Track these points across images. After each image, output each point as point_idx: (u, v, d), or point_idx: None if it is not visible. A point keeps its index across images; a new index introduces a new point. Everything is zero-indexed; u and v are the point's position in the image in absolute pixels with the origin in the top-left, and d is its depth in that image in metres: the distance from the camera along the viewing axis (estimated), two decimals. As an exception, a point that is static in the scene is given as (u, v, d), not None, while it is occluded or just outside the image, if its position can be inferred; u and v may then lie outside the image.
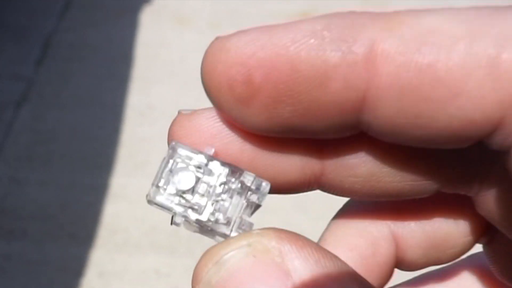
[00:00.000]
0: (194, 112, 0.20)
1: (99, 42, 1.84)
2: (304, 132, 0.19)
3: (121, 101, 1.65)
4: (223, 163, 0.20)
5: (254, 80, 0.18)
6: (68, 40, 1.84)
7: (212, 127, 0.20)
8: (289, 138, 0.19)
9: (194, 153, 0.20)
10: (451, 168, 0.19)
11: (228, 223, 0.20)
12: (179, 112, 0.21)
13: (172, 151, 0.21)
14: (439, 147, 0.18)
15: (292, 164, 0.20)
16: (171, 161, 0.20)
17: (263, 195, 0.20)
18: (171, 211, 0.20)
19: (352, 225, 0.23)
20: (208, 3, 2.01)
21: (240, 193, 0.20)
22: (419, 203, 0.21)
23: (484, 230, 0.21)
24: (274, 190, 0.21)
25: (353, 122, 0.18)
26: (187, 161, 0.20)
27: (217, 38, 0.19)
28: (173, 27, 1.92)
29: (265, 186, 0.20)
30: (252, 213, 0.21)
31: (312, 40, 0.17)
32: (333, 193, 0.21)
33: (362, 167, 0.20)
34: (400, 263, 0.23)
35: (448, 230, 0.22)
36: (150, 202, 0.20)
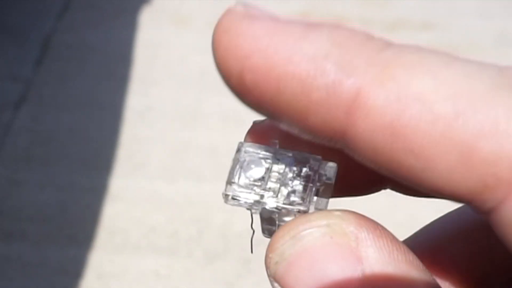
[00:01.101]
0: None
1: (98, 43, 1.84)
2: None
3: (120, 102, 1.65)
4: (290, 151, 0.21)
5: (245, 81, 0.18)
6: (67, 41, 1.84)
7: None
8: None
9: (260, 147, 0.22)
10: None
11: (304, 202, 0.21)
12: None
13: (239, 151, 0.22)
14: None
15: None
16: (240, 159, 0.22)
17: (332, 174, 0.21)
18: (247, 202, 0.21)
19: None
20: (207, 3, 2.01)
21: (310, 176, 0.21)
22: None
23: None
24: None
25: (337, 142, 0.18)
26: (254, 155, 0.21)
27: (228, 11, 0.19)
28: (172, 28, 1.92)
29: (332, 166, 0.21)
30: (328, 194, 0.21)
31: (305, 67, 0.17)
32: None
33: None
34: None
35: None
36: (226, 196, 0.21)
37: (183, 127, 1.59)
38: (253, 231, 0.22)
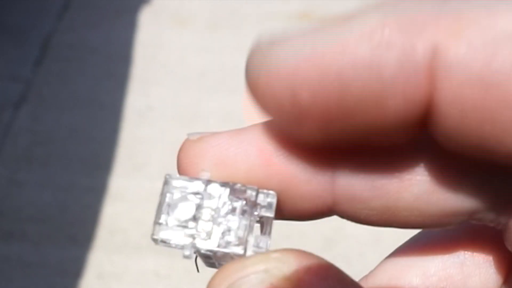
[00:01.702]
0: (199, 138, 0.19)
1: (98, 43, 1.84)
2: (360, 142, 0.17)
3: (120, 101, 1.65)
4: (223, 184, 0.19)
5: (301, 101, 0.15)
6: (66, 41, 1.84)
7: (217, 156, 0.19)
8: (300, 170, 0.18)
9: (190, 181, 0.19)
10: (480, 198, 0.17)
11: (240, 243, 0.19)
12: (187, 137, 0.19)
13: (167, 185, 0.20)
14: (504, 169, 0.16)
15: (301, 195, 0.19)
16: (168, 194, 0.20)
17: (271, 205, 0.19)
18: (178, 245, 0.19)
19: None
20: (207, 3, 2.01)
21: (246, 210, 0.19)
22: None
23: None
24: (286, 217, 0.20)
25: (414, 133, 0.16)
26: (184, 190, 0.19)
27: (256, 45, 0.16)
28: (172, 28, 1.92)
29: (271, 196, 0.19)
30: (267, 228, 0.20)
31: (364, 46, 0.14)
32: (349, 220, 0.19)
33: (376, 201, 0.18)
34: None
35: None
36: (155, 240, 0.20)
37: (183, 127, 1.58)
38: (196, 256, 0.20)
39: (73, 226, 1.34)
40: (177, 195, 0.19)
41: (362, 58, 0.14)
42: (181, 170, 0.19)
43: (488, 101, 0.14)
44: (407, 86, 0.14)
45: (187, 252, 0.19)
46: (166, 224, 0.19)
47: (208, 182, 0.19)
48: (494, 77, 0.14)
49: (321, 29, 0.15)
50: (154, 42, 1.86)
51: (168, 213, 0.19)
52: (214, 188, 0.19)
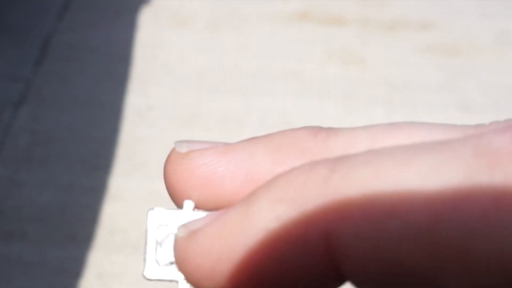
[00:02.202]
0: (187, 154, 0.19)
1: (98, 43, 1.84)
2: None
3: (119, 101, 1.65)
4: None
5: None
6: (66, 41, 1.84)
7: (203, 176, 0.19)
8: None
9: (175, 213, 0.19)
10: None
11: None
12: (174, 146, 0.19)
13: (152, 220, 0.19)
14: None
15: None
16: (154, 231, 0.19)
17: None
18: (172, 280, 0.19)
19: None
20: (207, 3, 2.01)
21: None
22: None
23: None
24: None
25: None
26: (170, 225, 0.19)
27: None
28: (172, 28, 1.92)
29: None
30: None
31: (268, 248, 0.16)
32: None
33: None
34: None
35: None
36: (148, 279, 0.20)
37: (183, 127, 1.59)
38: None
39: (73, 226, 1.34)
40: (163, 230, 0.19)
41: (272, 258, 0.16)
42: (167, 184, 0.19)
43: (387, 272, 0.15)
44: (314, 267, 0.15)
45: (183, 287, 0.19)
46: (157, 262, 0.19)
47: (193, 212, 0.19)
48: (388, 256, 0.14)
49: (221, 236, 0.17)
50: (154, 42, 1.86)
51: (156, 250, 0.19)
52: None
